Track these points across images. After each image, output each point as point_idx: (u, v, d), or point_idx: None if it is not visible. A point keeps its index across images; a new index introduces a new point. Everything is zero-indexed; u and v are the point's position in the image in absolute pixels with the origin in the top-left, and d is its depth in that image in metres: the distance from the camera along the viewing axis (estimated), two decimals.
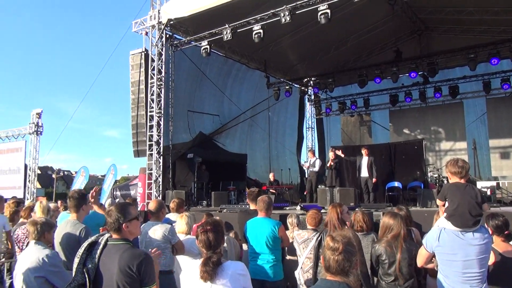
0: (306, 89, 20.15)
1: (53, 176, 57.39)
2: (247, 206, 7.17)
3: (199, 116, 15.37)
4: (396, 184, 11.64)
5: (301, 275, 4.12)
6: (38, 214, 5.37)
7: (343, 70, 17.38)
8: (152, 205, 4.61)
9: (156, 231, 4.24)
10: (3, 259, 5.71)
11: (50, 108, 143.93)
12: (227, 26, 11.63)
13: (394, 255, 3.56)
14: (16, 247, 5.00)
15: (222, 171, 14.26)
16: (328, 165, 11.75)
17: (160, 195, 12.55)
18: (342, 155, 11.72)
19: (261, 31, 11.15)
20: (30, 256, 3.22)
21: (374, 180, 11.00)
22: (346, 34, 15.58)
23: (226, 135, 16.68)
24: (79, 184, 15.53)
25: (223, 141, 16.52)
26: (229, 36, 11.66)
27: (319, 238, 3.97)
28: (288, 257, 5.21)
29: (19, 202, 7.30)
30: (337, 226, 3.84)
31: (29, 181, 18.56)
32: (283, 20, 10.58)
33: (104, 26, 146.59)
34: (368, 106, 18.22)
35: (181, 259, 4.44)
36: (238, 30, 11.70)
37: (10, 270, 5.19)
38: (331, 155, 11.77)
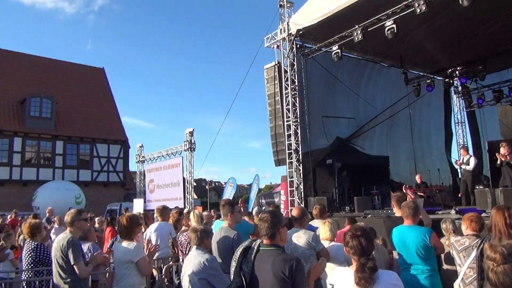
0: (451, 81, 18.23)
1: (206, 187, 63.28)
2: (393, 211, 6.80)
3: (335, 121, 15.24)
4: None
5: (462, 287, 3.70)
6: (192, 222, 6.01)
7: (495, 54, 15.24)
8: (295, 212, 4.73)
9: (300, 238, 4.32)
10: (171, 262, 6.53)
11: (200, 126, 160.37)
12: (356, 26, 11.35)
13: None
14: (179, 251, 5.68)
15: (364, 175, 13.83)
16: (498, 162, 10.17)
17: (303, 202, 12.78)
18: None
19: (394, 26, 10.58)
20: (193, 260, 3.63)
21: None
22: (494, 12, 13.64)
23: (364, 138, 16.16)
24: (228, 194, 16.85)
25: (362, 144, 16.04)
26: (360, 37, 11.35)
27: (481, 246, 3.53)
28: (445, 266, 4.75)
29: (181, 212, 8.30)
30: (503, 232, 3.36)
31: (187, 192, 20.89)
32: (418, 10, 9.85)
33: (238, 45, 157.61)
34: None
35: (326, 266, 4.43)
36: (368, 29, 11.32)
37: (178, 272, 5.90)
38: (502, 150, 10.17)
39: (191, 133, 20.54)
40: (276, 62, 14.07)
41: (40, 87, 26.36)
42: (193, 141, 20.56)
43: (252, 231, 5.36)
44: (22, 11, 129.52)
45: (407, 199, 4.83)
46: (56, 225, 9.21)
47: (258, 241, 2.85)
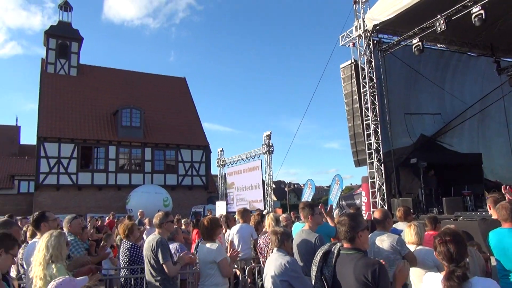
0: None
1: (286, 189, 63.52)
2: (488, 213, 6.24)
3: (418, 118, 14.43)
4: None
5: None
6: (267, 225, 6.07)
7: None
8: (377, 214, 4.55)
9: (384, 241, 4.16)
10: (253, 264, 6.67)
11: (277, 128, 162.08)
12: (439, 16, 10.65)
13: None
14: (259, 253, 5.78)
15: (453, 175, 12.87)
16: None
17: (385, 204, 12.28)
18: None
19: (482, 11, 9.75)
20: (274, 261, 3.68)
21: None
22: None
23: (451, 134, 15.07)
24: (307, 195, 16.74)
25: (449, 141, 14.97)
26: (443, 27, 10.63)
27: None
28: None
29: (262, 214, 8.44)
30: None
31: (267, 194, 21.16)
32: None
33: (313, 46, 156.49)
34: None
35: (413, 271, 4.20)
36: (452, 18, 10.56)
37: (260, 273, 6.01)
38: None
39: (269, 136, 20.79)
40: (353, 60, 13.72)
41: (129, 98, 28.59)
42: (271, 144, 20.79)
43: (334, 234, 5.27)
44: (112, 30, 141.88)
45: (506, 199, 4.41)
46: (147, 226, 9.88)
47: (338, 244, 2.80)
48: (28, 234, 5.67)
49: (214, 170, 29.37)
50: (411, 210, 6.37)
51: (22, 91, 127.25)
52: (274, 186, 25.07)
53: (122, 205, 24.01)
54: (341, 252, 2.73)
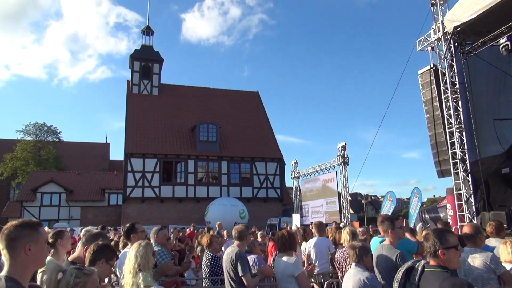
0: None
1: (362, 201, 61.48)
2: None
3: (510, 124, 13.21)
4: None
5: None
6: (344, 239, 5.88)
7: None
8: (467, 229, 4.24)
9: (476, 259, 3.85)
10: (330, 279, 6.53)
11: (352, 139, 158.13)
12: None
13: None
14: (336, 268, 5.64)
15: None
16: None
17: (475, 218, 11.35)
18: None
19: None
20: (353, 277, 3.59)
21: None
22: None
23: None
24: (387, 209, 16.04)
25: None
26: None
27: None
28: None
29: (338, 227, 8.27)
30: None
31: (343, 207, 20.65)
32: None
33: (387, 53, 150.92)
34: None
35: None
36: None
37: None
38: None
39: (344, 147, 20.37)
40: (432, 65, 13.04)
41: (206, 114, 29.87)
42: (346, 155, 20.34)
43: (415, 250, 5.00)
44: (190, 50, 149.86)
45: None
46: (226, 238, 10.14)
47: (423, 261, 2.67)
48: (120, 245, 6.14)
49: (289, 182, 29.42)
50: (504, 225, 5.79)
51: (111, 111, 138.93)
52: (350, 198, 24.39)
53: (200, 216, 24.95)
54: (425, 269, 2.59)
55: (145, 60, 31.19)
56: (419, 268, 2.62)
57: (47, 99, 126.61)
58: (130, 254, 3.53)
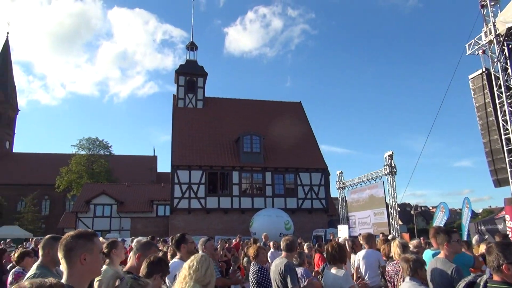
0: None
1: (412, 212, 59.18)
2: None
3: None
4: None
5: None
6: (392, 252, 5.67)
7: None
8: None
9: None
10: None
11: (399, 148, 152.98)
12: None
13: None
14: (387, 281, 5.45)
15: None
16: None
17: None
18: None
19: None
20: None
21: None
22: None
23: None
24: (439, 220, 15.36)
25: None
26: None
27: None
28: None
29: (387, 239, 8.01)
30: None
31: (391, 218, 19.98)
32: None
33: (434, 58, 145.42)
34: None
35: None
36: None
37: None
38: None
39: (391, 156, 19.80)
40: (484, 69, 12.46)
41: (250, 125, 30.14)
42: (393, 165, 19.75)
43: (472, 264, 4.74)
44: (233, 62, 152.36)
45: None
46: (272, 249, 10.12)
47: (485, 276, 2.53)
48: (169, 255, 6.30)
49: (334, 193, 28.92)
50: None
51: (158, 125, 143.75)
52: (398, 209, 23.59)
53: (245, 227, 25.03)
54: (488, 284, 2.45)
55: (190, 75, 32.10)
56: (481, 284, 2.49)
57: (99, 115, 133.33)
58: (186, 267, 3.57)
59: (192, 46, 33.83)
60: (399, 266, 4.88)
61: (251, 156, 28.13)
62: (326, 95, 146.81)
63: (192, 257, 3.64)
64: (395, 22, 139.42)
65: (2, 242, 14.73)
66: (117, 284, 1.93)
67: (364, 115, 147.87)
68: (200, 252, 5.05)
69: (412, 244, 6.25)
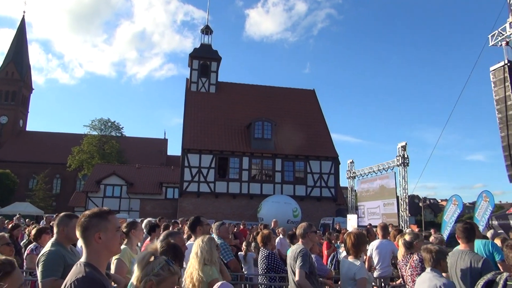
0: None
1: (420, 204, 58.86)
2: None
3: None
4: None
5: None
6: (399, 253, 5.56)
7: None
8: None
9: None
10: (394, 282, 6.24)
11: (412, 139, 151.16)
12: None
13: None
14: (399, 272, 5.36)
15: None
16: None
17: None
18: None
19: None
20: (428, 281, 3.36)
21: None
22: None
23: None
24: (451, 213, 15.16)
25: None
26: None
27: None
28: None
29: (400, 230, 7.91)
30: None
31: (401, 209, 19.85)
32: None
33: (454, 49, 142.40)
34: None
35: None
36: None
37: None
38: None
39: (404, 147, 19.57)
40: (506, 61, 12.12)
41: (262, 112, 30.00)
42: (406, 156, 19.53)
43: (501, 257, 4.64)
44: (253, 46, 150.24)
45: None
46: (281, 236, 10.08)
47: (505, 274, 2.43)
48: (185, 236, 6.28)
49: (343, 182, 28.80)
50: None
51: (170, 108, 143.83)
52: (407, 200, 23.41)
53: (253, 213, 25.12)
54: (508, 283, 2.35)
55: (203, 59, 31.93)
56: (501, 282, 2.39)
57: (115, 96, 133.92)
58: (194, 249, 3.55)
59: (206, 30, 33.58)
60: (409, 258, 4.80)
61: (262, 142, 28.06)
62: (343, 83, 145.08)
63: (196, 241, 3.62)
64: (419, 10, 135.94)
65: (14, 218, 14.93)
66: (151, 260, 1.94)
67: (380, 104, 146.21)
68: (215, 235, 5.01)
69: (432, 238, 6.13)
